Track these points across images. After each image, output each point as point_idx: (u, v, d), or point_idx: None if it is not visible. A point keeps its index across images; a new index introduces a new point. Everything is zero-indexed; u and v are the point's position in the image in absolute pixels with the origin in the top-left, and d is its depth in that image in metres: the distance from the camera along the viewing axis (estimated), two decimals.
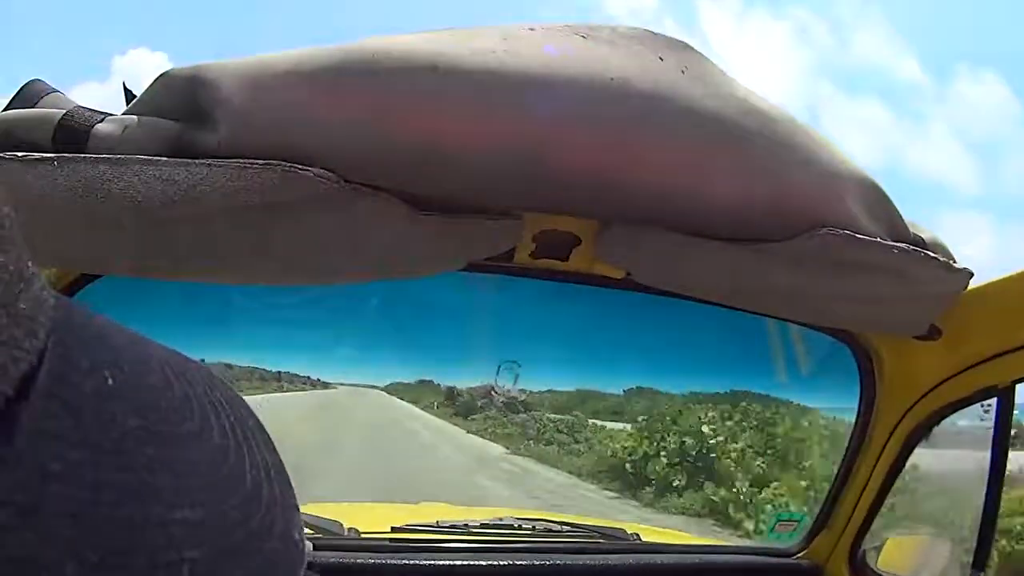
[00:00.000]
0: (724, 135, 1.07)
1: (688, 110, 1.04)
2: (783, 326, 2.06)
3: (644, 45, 1.07)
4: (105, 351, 0.33)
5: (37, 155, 0.96)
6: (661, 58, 1.06)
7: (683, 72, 1.06)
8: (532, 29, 1.05)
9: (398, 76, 0.97)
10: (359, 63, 0.97)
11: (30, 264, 0.30)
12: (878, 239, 1.20)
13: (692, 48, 1.11)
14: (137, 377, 0.34)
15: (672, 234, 1.20)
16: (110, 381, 0.31)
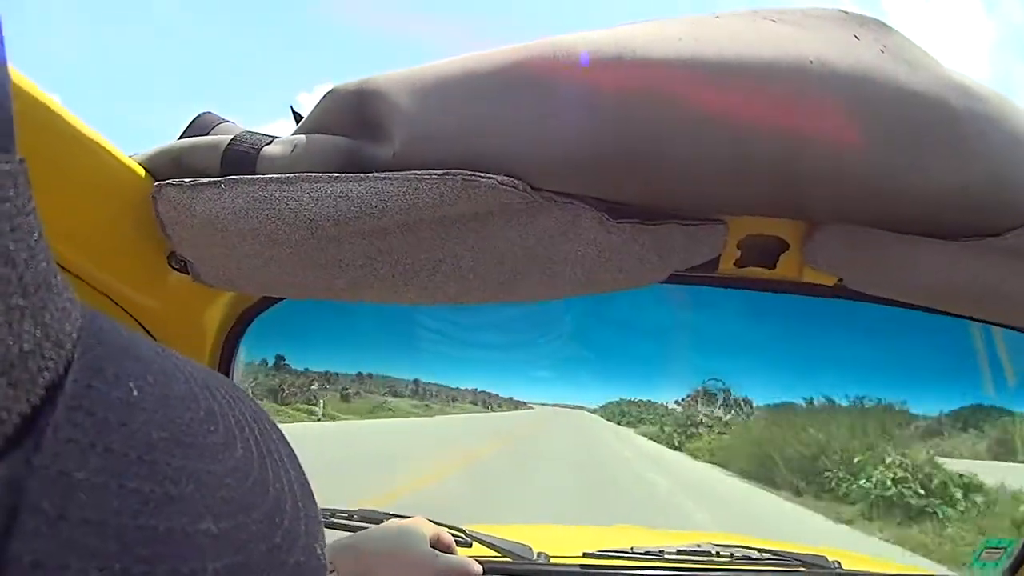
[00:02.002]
0: (934, 116, 0.94)
1: (894, 91, 0.93)
2: (988, 331, 1.93)
3: (837, 25, 0.97)
4: (131, 362, 0.34)
5: (204, 180, 0.95)
6: (857, 37, 0.97)
7: (882, 51, 0.95)
8: (717, 17, 0.97)
9: (582, 72, 0.89)
10: (539, 61, 0.90)
11: (56, 275, 0.31)
12: None
13: (888, 25, 1.00)
14: (162, 389, 0.34)
15: (885, 233, 1.07)
16: (135, 392, 0.32)
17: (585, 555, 1.82)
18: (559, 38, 0.92)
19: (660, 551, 1.86)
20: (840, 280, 1.22)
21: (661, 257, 1.08)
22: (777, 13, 0.98)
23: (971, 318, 1.32)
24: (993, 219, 1.03)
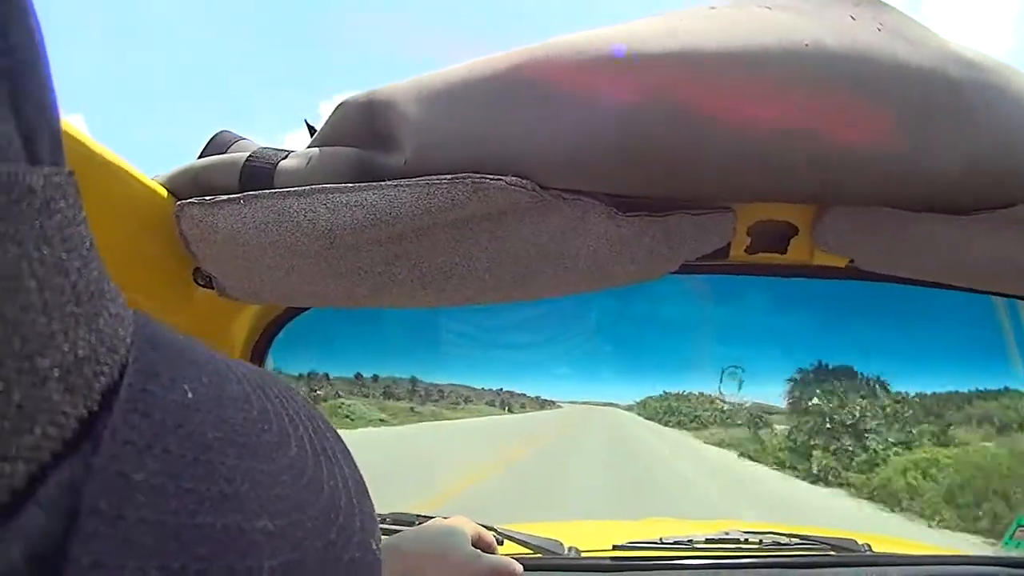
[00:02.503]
0: (936, 92, 0.94)
1: (893, 68, 0.93)
2: (1011, 304, 1.93)
3: (833, 7, 0.98)
4: (184, 365, 0.34)
5: (224, 197, 0.98)
6: (853, 17, 0.98)
7: (879, 29, 0.96)
8: (713, 8, 0.98)
9: (582, 71, 0.91)
10: (540, 63, 0.92)
11: (109, 283, 0.32)
12: None
13: (884, 3, 1.00)
14: (216, 390, 0.35)
15: (895, 212, 1.08)
16: (190, 394, 0.33)
17: (615, 547, 1.84)
18: (558, 39, 0.94)
19: (689, 540, 1.88)
20: (852, 261, 1.23)
21: (671, 247, 1.10)
22: (772, 1, 1.00)
23: (989, 292, 1.33)
24: (1004, 190, 1.04)
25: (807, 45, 0.92)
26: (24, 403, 0.25)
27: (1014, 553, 2.00)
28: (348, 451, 0.43)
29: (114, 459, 0.27)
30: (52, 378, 0.26)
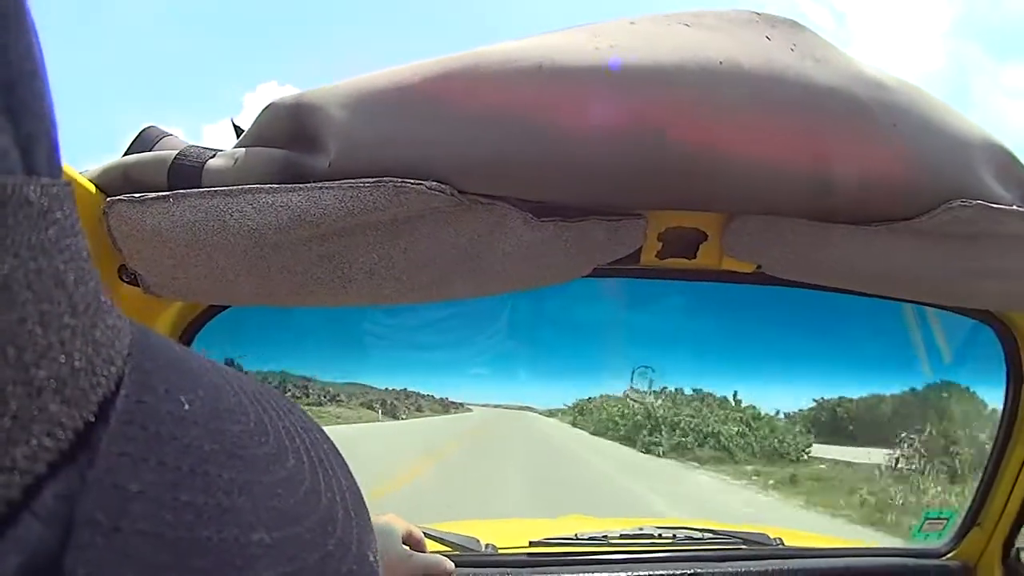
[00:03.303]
0: (842, 110, 1.01)
1: (802, 87, 0.99)
2: (921, 312, 2.01)
3: (749, 27, 1.03)
4: (181, 377, 0.35)
5: (152, 195, 0.99)
6: (768, 37, 1.03)
7: (792, 49, 1.02)
8: (633, 23, 1.02)
9: (503, 81, 0.95)
10: (463, 72, 0.96)
11: (104, 295, 0.32)
12: (1014, 207, 1.15)
13: (800, 25, 1.07)
14: (213, 401, 0.35)
15: (800, 221, 1.15)
16: (186, 406, 0.33)
17: (532, 543, 1.88)
18: (482, 49, 0.98)
19: (604, 535, 1.92)
20: (759, 267, 1.28)
21: (584, 252, 1.15)
22: (692, 17, 1.04)
23: (890, 298, 1.39)
24: (905, 204, 1.11)
25: (721, 63, 0.98)
26: (20, 414, 0.25)
27: (923, 544, 2.07)
28: (345, 463, 0.43)
29: (110, 471, 0.28)
30: (48, 389, 0.26)
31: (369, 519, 0.42)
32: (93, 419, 0.28)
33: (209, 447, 0.32)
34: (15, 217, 0.26)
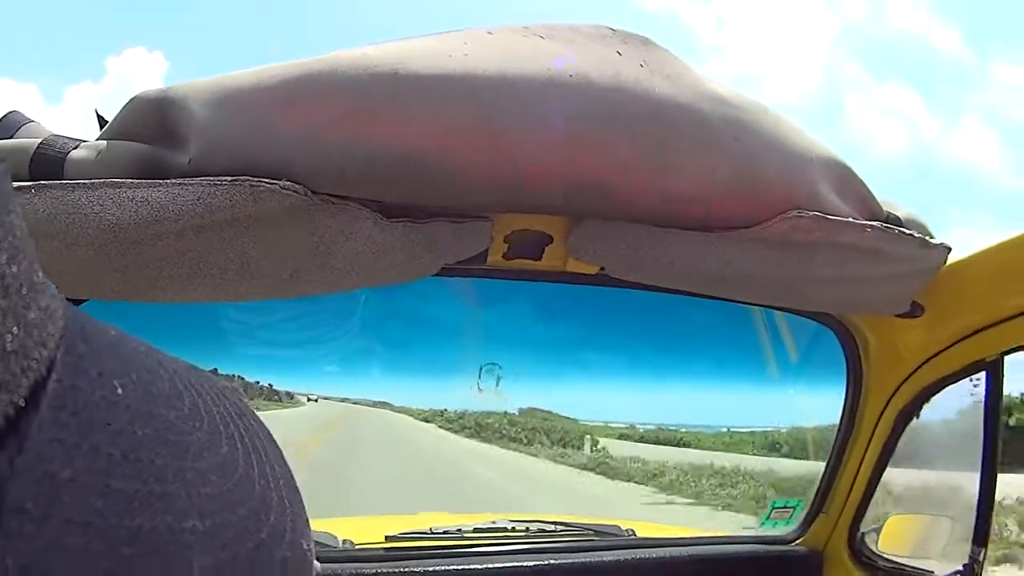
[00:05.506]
0: (685, 124, 1.10)
1: (648, 101, 1.07)
2: (768, 314, 2.09)
3: (603, 41, 1.10)
4: (115, 360, 0.34)
5: (14, 184, 0.98)
6: (619, 52, 1.09)
7: (642, 65, 1.09)
8: (491, 32, 1.08)
9: (358, 85, 1.00)
10: (320, 75, 1.00)
11: (40, 274, 0.31)
12: (850, 219, 1.22)
13: (652, 42, 1.13)
14: (146, 386, 0.34)
15: (642, 226, 1.23)
16: (119, 390, 0.32)
17: (387, 539, 1.92)
18: (341, 52, 1.03)
19: (458, 529, 1.98)
20: (602, 269, 1.36)
21: (431, 252, 1.20)
22: (548, 29, 1.10)
23: (731, 300, 1.49)
24: (746, 214, 1.18)
25: (571, 76, 1.03)
26: None
27: (772, 532, 2.15)
28: (280, 450, 0.43)
29: (40, 457, 0.27)
30: None
31: (304, 507, 0.42)
32: (24, 404, 0.27)
33: (142, 432, 0.32)
34: None
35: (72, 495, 0.27)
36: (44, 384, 0.29)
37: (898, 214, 1.34)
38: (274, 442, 0.43)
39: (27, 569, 0.25)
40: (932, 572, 1.93)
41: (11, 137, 1.09)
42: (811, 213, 1.19)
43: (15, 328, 0.28)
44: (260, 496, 0.37)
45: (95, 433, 0.29)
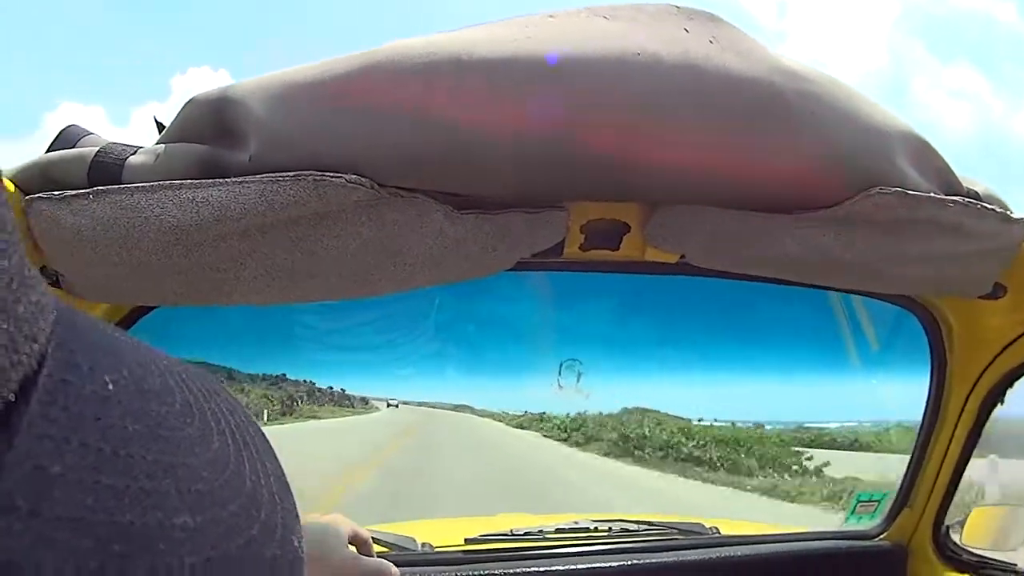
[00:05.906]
0: (761, 100, 1.05)
1: (721, 78, 1.03)
2: (847, 300, 2.06)
3: (668, 19, 1.07)
4: (105, 356, 0.34)
5: (72, 192, 0.99)
6: (687, 30, 1.06)
7: (711, 42, 1.06)
8: (552, 16, 1.05)
9: (422, 74, 0.97)
10: (382, 65, 0.98)
11: (30, 268, 0.31)
12: (932, 194, 1.19)
13: (720, 18, 1.10)
14: (137, 382, 0.34)
15: (721, 211, 1.19)
16: (110, 386, 0.32)
17: (467, 541, 1.91)
18: (402, 42, 1.00)
19: (539, 530, 1.97)
20: (682, 257, 1.32)
21: (506, 245, 1.17)
22: (610, 10, 1.07)
23: (813, 285, 1.44)
24: (826, 192, 1.15)
25: (638, 55, 1.01)
26: None
27: (856, 527, 2.13)
28: (270, 447, 0.43)
29: (30, 453, 0.27)
30: None
31: (295, 504, 0.41)
32: (14, 399, 0.27)
33: (133, 428, 0.32)
34: None
35: (62, 491, 0.27)
36: (34, 379, 0.29)
37: (977, 189, 1.31)
38: (265, 439, 0.43)
39: (16, 565, 0.25)
40: (1015, 565, 1.90)
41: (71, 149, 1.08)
42: (893, 189, 1.14)
43: (5, 323, 0.28)
44: (251, 492, 0.37)
45: (85, 428, 0.30)
